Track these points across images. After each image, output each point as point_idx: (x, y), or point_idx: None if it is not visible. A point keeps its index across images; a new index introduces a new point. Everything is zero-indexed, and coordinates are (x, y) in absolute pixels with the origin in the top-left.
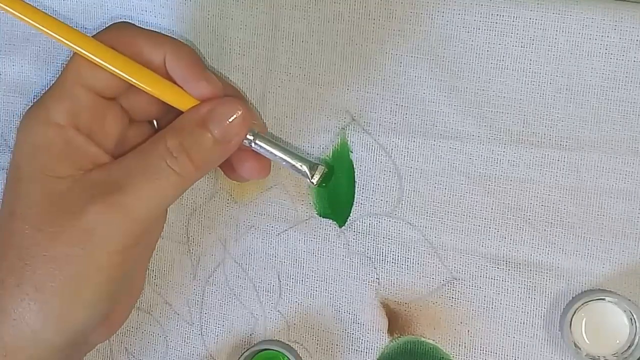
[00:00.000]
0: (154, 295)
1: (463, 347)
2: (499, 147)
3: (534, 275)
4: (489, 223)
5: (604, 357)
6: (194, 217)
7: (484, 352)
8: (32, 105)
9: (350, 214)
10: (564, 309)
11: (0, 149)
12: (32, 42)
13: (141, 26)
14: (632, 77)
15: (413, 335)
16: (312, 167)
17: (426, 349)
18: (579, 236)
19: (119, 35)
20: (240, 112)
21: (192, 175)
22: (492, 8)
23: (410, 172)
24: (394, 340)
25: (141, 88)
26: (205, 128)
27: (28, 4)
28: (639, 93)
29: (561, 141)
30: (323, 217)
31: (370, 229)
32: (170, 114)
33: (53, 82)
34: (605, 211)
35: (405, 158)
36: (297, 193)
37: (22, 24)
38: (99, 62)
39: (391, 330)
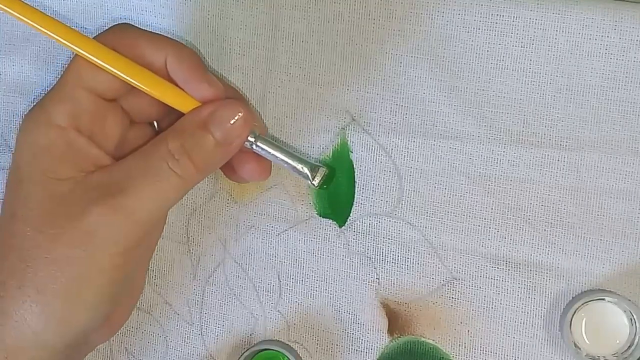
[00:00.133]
0: (154, 295)
1: (463, 347)
2: (499, 147)
3: (534, 275)
4: (489, 223)
5: (604, 357)
6: (194, 217)
7: (484, 352)
8: (32, 107)
9: (350, 214)
10: (564, 309)
11: (0, 149)
12: (32, 42)
13: (141, 27)
14: (632, 77)
15: (413, 335)
16: (313, 169)
17: (426, 349)
18: (579, 236)
19: (120, 37)
20: (241, 114)
21: (193, 177)
22: (492, 8)
23: (410, 172)
24: (394, 340)
25: (142, 90)
26: (207, 130)
27: (29, 5)
28: (639, 93)
29: (561, 141)
30: (323, 217)
31: (370, 229)
32: (171, 115)
33: (53, 82)
34: (605, 211)
35: (405, 158)
36: (297, 193)
37: (22, 24)
38: (100, 64)
39: (391, 330)
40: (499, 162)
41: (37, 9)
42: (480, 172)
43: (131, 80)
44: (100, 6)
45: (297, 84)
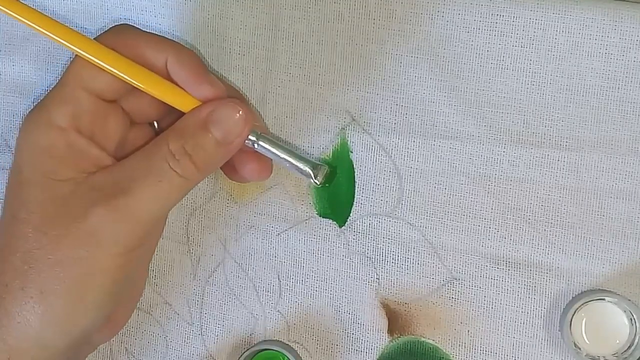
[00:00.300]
0: (154, 295)
1: (463, 347)
2: (499, 147)
3: (534, 275)
4: (489, 223)
5: (604, 357)
6: (194, 217)
7: (484, 352)
8: (33, 108)
9: (350, 214)
10: (564, 309)
11: (0, 149)
12: (32, 42)
13: (141, 27)
14: (632, 77)
15: (413, 335)
16: (315, 168)
17: (426, 349)
18: (579, 236)
19: (120, 38)
20: (241, 113)
21: (195, 177)
22: (492, 8)
23: (410, 172)
24: (394, 340)
25: (143, 90)
26: (207, 130)
27: (29, 6)
28: (639, 93)
29: (561, 141)
30: (323, 217)
31: (370, 229)
32: (171, 115)
33: (53, 82)
34: (605, 211)
35: (405, 158)
36: (297, 193)
37: (22, 24)
38: (101, 65)
39: (391, 330)
40: (499, 162)
41: (37, 10)
42: (480, 172)
43: (132, 80)
44: (100, 6)
45: (297, 84)
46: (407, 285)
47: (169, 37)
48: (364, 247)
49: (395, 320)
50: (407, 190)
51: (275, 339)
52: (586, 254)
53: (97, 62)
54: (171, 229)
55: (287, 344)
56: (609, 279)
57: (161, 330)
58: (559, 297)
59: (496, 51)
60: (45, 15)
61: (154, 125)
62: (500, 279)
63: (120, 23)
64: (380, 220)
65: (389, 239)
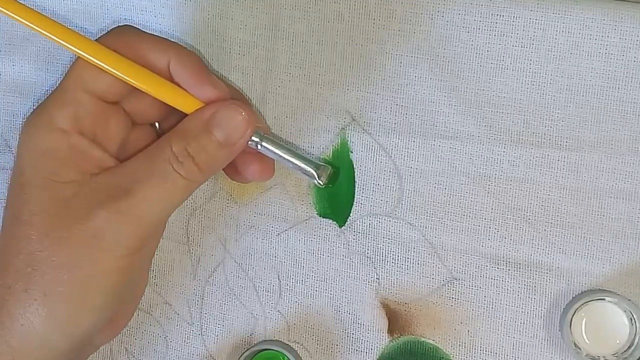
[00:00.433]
0: (154, 295)
1: (463, 347)
2: (499, 147)
3: (534, 275)
4: (489, 223)
5: (604, 357)
6: (194, 217)
7: (484, 352)
8: (34, 110)
9: (350, 214)
10: (564, 309)
11: (0, 149)
12: (32, 42)
13: (141, 27)
14: (632, 77)
15: (413, 335)
16: (319, 168)
17: (426, 349)
18: (579, 236)
19: (122, 39)
20: (243, 115)
21: (198, 178)
22: (492, 8)
23: (410, 172)
24: (394, 340)
25: (145, 91)
26: (210, 132)
27: (31, 8)
28: (639, 93)
29: (561, 141)
30: (323, 217)
31: (370, 229)
32: (173, 116)
33: (53, 82)
34: (605, 211)
35: (405, 158)
36: (297, 193)
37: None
38: (103, 66)
39: (391, 330)
40: (499, 162)
41: (38, 12)
42: (480, 172)
43: (134, 82)
44: (100, 7)
45: (297, 84)
46: (407, 285)
47: (170, 38)
48: (364, 247)
49: (395, 320)
50: (407, 190)
51: (275, 339)
52: (586, 254)
53: (99, 64)
54: (171, 229)
55: (287, 344)
56: (609, 279)
57: (161, 330)
58: (559, 297)
59: (496, 51)
60: (46, 17)
61: (156, 127)
62: (500, 279)
63: (121, 24)
64: (380, 220)
65: (389, 239)
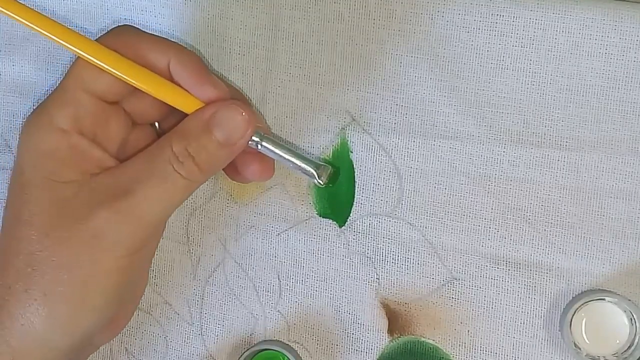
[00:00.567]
0: (154, 295)
1: (463, 347)
2: (499, 147)
3: (534, 275)
4: (489, 223)
5: (604, 357)
6: (194, 217)
7: (484, 352)
8: (34, 110)
9: (350, 214)
10: (564, 309)
11: (0, 149)
12: (32, 42)
13: (141, 27)
14: (632, 77)
15: (413, 335)
16: (319, 168)
17: (426, 349)
18: (579, 236)
19: (122, 39)
20: (244, 115)
21: (198, 178)
22: (492, 8)
23: (410, 172)
24: (394, 340)
25: (145, 91)
26: (210, 132)
27: (31, 8)
28: (639, 93)
29: (561, 141)
30: (323, 217)
31: (370, 229)
32: (172, 116)
33: (53, 82)
34: (605, 211)
35: (405, 158)
36: (297, 193)
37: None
38: (103, 67)
39: (391, 330)
40: (499, 162)
41: (38, 12)
42: (480, 172)
43: (134, 82)
44: (100, 6)
45: (297, 84)
46: (407, 285)
47: (169, 38)
48: (364, 247)
49: (395, 320)
50: (407, 190)
51: (275, 339)
52: (586, 254)
53: (99, 64)
54: (171, 229)
55: (287, 344)
56: (609, 279)
57: (161, 330)
58: (559, 297)
59: (496, 51)
60: (46, 17)
61: (156, 127)
62: (500, 279)
63: (121, 24)
64: (380, 220)
65: (389, 239)
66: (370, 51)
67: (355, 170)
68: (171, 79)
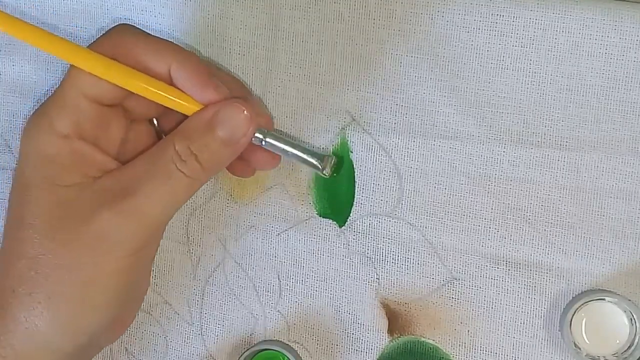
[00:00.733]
0: (154, 295)
1: (463, 347)
2: (499, 147)
3: (534, 275)
4: (489, 223)
5: (604, 357)
6: (194, 217)
7: (484, 352)
8: (34, 113)
9: (350, 214)
10: (564, 309)
11: (0, 149)
12: None
13: (141, 27)
14: (632, 77)
15: (413, 335)
16: (323, 159)
17: (426, 349)
18: (579, 236)
19: (120, 43)
20: (245, 113)
21: (201, 177)
22: (492, 8)
23: (410, 172)
24: (394, 340)
25: (145, 97)
26: (213, 130)
27: (26, 23)
28: (639, 93)
29: (561, 141)
30: (323, 217)
31: (370, 229)
32: (171, 112)
33: (53, 82)
34: (605, 211)
35: (405, 158)
36: (297, 193)
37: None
38: (100, 77)
39: (391, 330)
40: (499, 162)
41: (37, 27)
42: (480, 172)
43: (132, 89)
44: (100, 6)
45: (297, 84)
46: (407, 285)
47: (169, 38)
48: (364, 247)
49: (395, 320)
50: (407, 190)
51: (275, 339)
52: (586, 254)
53: (97, 75)
54: (171, 229)
55: (287, 344)
56: (609, 279)
57: (161, 330)
58: (559, 297)
59: (496, 51)
60: (44, 30)
61: (154, 123)
62: (500, 279)
63: (120, 23)
64: (380, 220)
65: (389, 239)
66: (370, 51)
67: (355, 170)
68: (171, 83)
